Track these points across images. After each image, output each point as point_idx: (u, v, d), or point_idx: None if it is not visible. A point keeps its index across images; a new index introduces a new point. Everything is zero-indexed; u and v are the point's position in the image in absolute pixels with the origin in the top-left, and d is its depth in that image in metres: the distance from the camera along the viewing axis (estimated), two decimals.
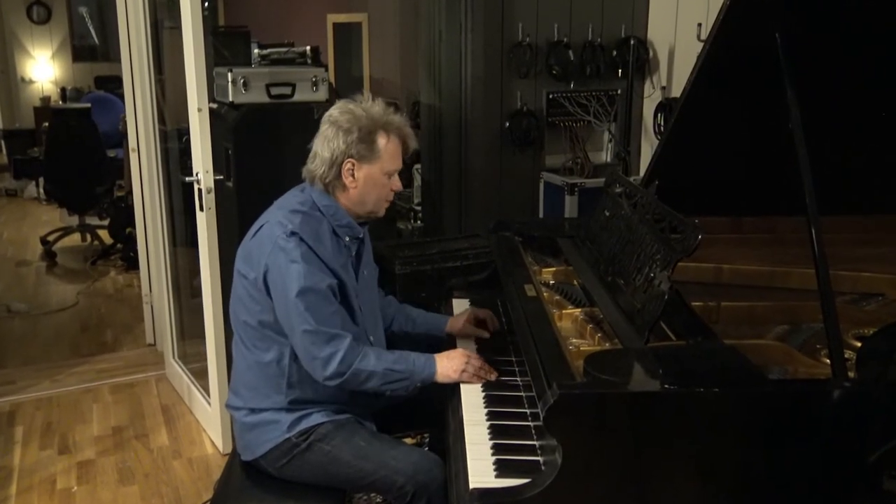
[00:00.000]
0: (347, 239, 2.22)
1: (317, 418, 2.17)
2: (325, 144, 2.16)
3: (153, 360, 4.47)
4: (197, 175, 3.13)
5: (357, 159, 2.14)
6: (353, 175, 2.16)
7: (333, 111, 2.19)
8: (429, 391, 2.17)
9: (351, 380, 2.06)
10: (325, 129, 2.18)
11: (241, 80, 3.70)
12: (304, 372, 2.15)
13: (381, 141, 2.15)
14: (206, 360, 3.42)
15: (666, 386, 1.57)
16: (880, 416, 1.56)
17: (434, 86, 4.66)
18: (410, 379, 2.10)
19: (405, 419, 2.46)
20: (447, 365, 2.11)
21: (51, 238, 6.72)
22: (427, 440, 2.69)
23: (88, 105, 7.11)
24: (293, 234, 2.08)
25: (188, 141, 3.24)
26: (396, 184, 2.23)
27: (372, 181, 2.18)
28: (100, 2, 10.57)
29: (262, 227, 2.17)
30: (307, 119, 3.69)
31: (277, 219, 2.13)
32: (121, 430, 3.73)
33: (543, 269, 2.57)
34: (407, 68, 6.77)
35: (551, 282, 2.50)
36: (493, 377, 2.12)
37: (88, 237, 6.92)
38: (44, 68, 10.59)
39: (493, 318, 2.47)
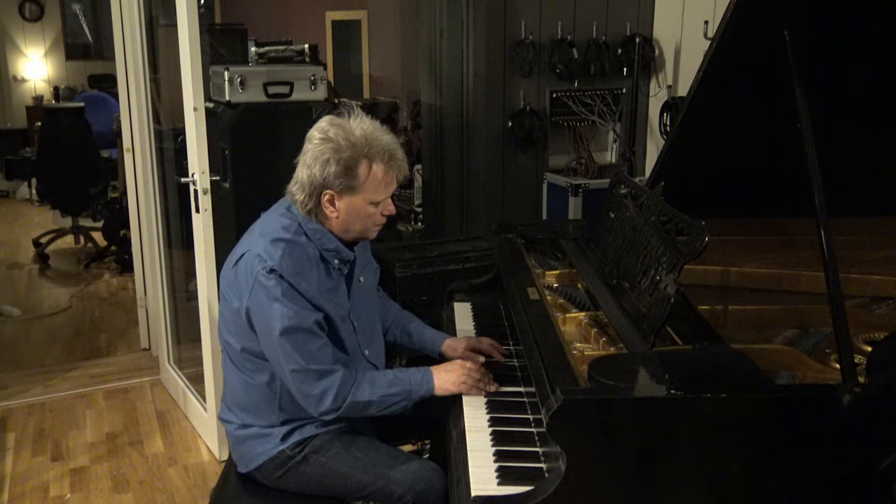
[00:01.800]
0: (336, 262, 2.15)
1: (311, 429, 2.16)
2: (303, 168, 2.06)
3: (148, 365, 4.48)
4: (193, 176, 3.13)
5: (337, 191, 2.04)
6: (333, 205, 2.07)
7: (315, 133, 2.07)
8: (429, 398, 2.16)
9: (347, 412, 2.04)
10: (306, 148, 2.07)
11: (238, 79, 3.71)
12: None
13: (363, 171, 2.02)
14: (201, 365, 3.42)
15: (672, 391, 1.57)
16: (891, 422, 1.56)
17: (435, 85, 4.67)
18: (409, 398, 2.08)
19: (405, 427, 2.46)
20: (445, 378, 2.10)
21: (43, 240, 6.73)
22: (427, 448, 2.69)
23: (82, 104, 7.12)
24: (272, 271, 2.00)
25: (184, 141, 3.24)
26: (388, 208, 2.12)
27: (355, 211, 2.08)
28: None
29: (242, 255, 2.09)
30: (305, 118, 3.71)
31: (257, 251, 2.04)
32: (115, 436, 3.73)
33: (547, 272, 2.57)
34: (407, 67, 6.78)
35: (555, 285, 2.50)
36: (492, 388, 2.10)
37: (82, 239, 6.93)
38: (36, 67, 10.60)
39: (496, 346, 2.36)
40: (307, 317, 2.01)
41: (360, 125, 2.06)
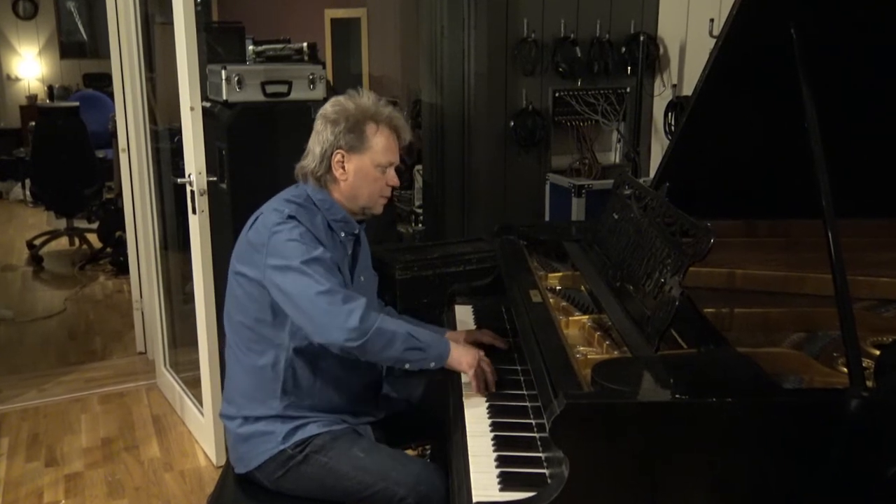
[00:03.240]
0: (343, 234, 2.25)
1: (313, 429, 2.18)
2: (315, 139, 2.22)
3: (144, 369, 4.48)
4: (189, 176, 3.14)
5: (346, 150, 2.18)
6: (343, 167, 2.20)
7: (327, 106, 2.25)
8: (430, 401, 2.17)
9: (374, 340, 2.01)
10: (316, 125, 2.24)
11: (236, 78, 3.70)
12: (300, 377, 2.17)
13: (371, 131, 2.19)
14: (198, 368, 3.42)
15: (677, 396, 1.57)
16: None
17: (436, 83, 4.67)
18: (427, 351, 2.09)
19: (406, 430, 2.46)
20: (461, 352, 2.12)
21: (37, 242, 6.73)
22: (428, 452, 2.69)
23: (77, 104, 7.13)
24: (290, 217, 2.12)
25: (180, 141, 3.25)
26: (392, 178, 2.25)
27: (363, 174, 2.20)
28: None
29: (257, 218, 2.20)
30: (304, 118, 3.70)
31: (273, 207, 2.19)
32: (110, 441, 3.73)
33: (549, 275, 2.57)
34: (408, 65, 6.78)
35: (558, 287, 2.50)
36: (492, 388, 2.11)
37: (76, 241, 6.93)
38: (30, 65, 10.60)
39: (497, 337, 2.40)
40: (325, 253, 2.11)
41: (367, 97, 2.24)
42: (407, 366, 2.10)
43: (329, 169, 2.20)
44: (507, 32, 4.62)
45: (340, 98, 2.24)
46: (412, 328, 2.11)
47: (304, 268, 2.05)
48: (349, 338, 1.99)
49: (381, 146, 2.20)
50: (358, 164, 2.20)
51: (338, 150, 2.18)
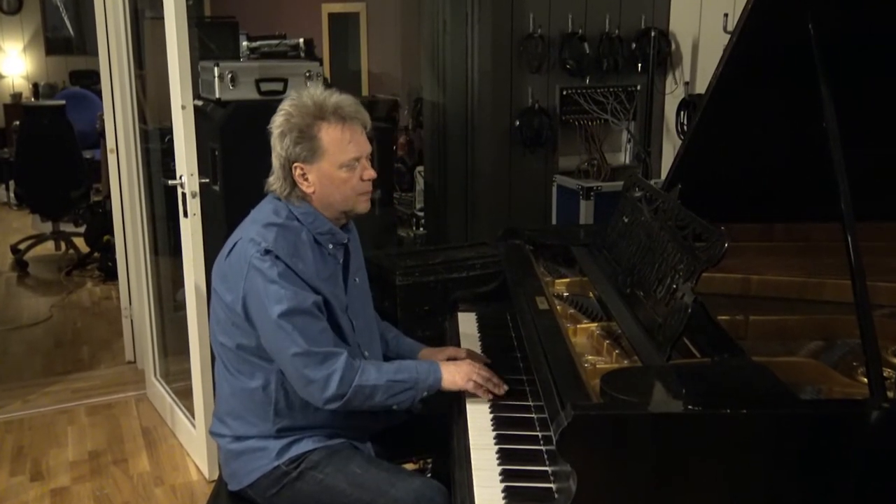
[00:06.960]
0: (331, 247, 2.21)
1: (308, 444, 2.17)
2: (273, 154, 2.16)
3: (133, 379, 4.48)
4: (181, 178, 3.14)
5: (303, 161, 2.11)
6: (305, 179, 2.13)
7: (275, 116, 2.17)
8: (432, 412, 2.17)
9: (353, 399, 2.05)
10: (271, 138, 2.17)
11: (229, 75, 3.72)
12: (293, 398, 2.15)
13: (318, 133, 2.10)
14: (190, 378, 3.42)
15: (689, 407, 1.57)
16: None
17: (438, 81, 4.68)
18: (415, 388, 2.10)
19: (406, 443, 2.46)
20: (454, 371, 2.13)
21: (22, 246, 6.74)
22: (430, 466, 2.69)
23: (63, 102, 7.15)
24: (268, 252, 2.06)
25: (171, 141, 3.25)
26: (367, 172, 2.17)
27: (328, 179, 2.13)
28: None
29: (235, 245, 2.15)
30: None
31: (250, 235, 2.11)
32: (98, 454, 3.73)
33: (556, 281, 2.58)
34: (408, 62, 6.80)
35: (565, 294, 2.50)
36: (501, 391, 2.12)
37: (63, 245, 6.94)
38: (14, 62, 10.63)
39: (476, 356, 2.39)
40: (306, 298, 2.06)
41: (312, 93, 2.17)
42: (395, 406, 2.12)
43: (294, 184, 2.14)
44: (512, 28, 4.63)
45: (285, 104, 2.15)
46: (396, 369, 2.11)
47: (280, 322, 2.02)
48: (327, 400, 2.05)
49: (336, 145, 2.11)
50: (319, 173, 2.12)
51: (295, 164, 2.11)
